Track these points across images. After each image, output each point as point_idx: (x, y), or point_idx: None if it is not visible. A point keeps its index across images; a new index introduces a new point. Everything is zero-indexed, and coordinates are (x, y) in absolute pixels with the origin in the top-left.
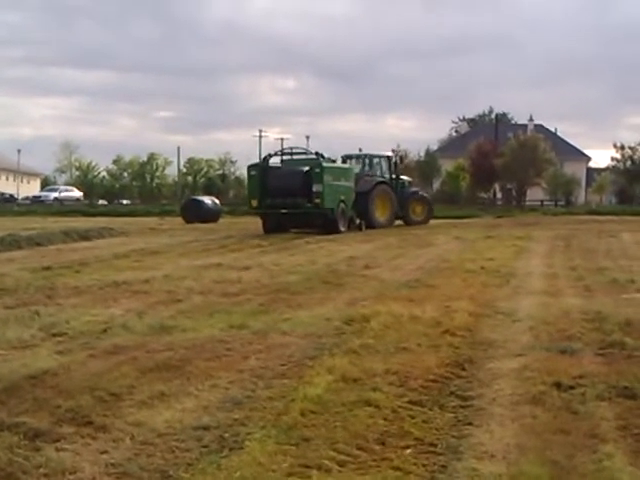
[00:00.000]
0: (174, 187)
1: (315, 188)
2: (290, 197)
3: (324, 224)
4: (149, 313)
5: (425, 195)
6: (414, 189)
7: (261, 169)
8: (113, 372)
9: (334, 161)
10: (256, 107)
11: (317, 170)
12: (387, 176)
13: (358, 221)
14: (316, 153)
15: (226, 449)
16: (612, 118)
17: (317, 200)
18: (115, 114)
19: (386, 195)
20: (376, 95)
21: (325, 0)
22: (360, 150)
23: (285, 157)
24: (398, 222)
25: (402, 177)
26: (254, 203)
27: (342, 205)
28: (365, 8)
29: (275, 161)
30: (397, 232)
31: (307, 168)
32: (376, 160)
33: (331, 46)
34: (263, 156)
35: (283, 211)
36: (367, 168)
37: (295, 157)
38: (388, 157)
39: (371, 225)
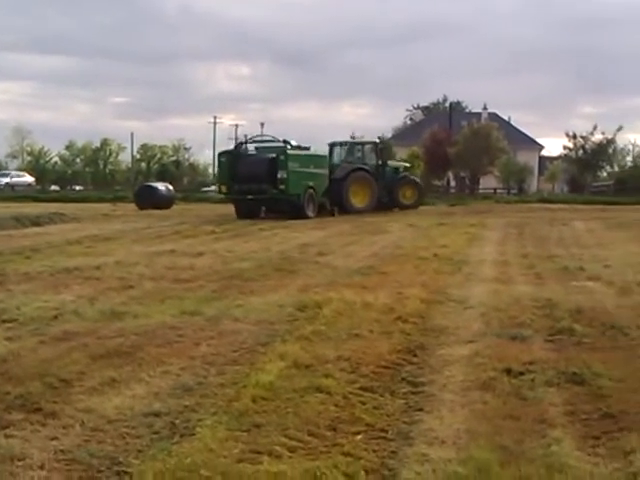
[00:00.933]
0: (127, 173)
1: (280, 174)
2: (256, 183)
3: (291, 210)
4: (100, 299)
5: (414, 179)
6: (404, 174)
7: (231, 156)
8: (63, 358)
9: (306, 148)
10: (211, 93)
11: (282, 157)
12: (372, 162)
13: (330, 207)
14: (284, 141)
15: (177, 435)
16: (566, 107)
17: (282, 186)
18: (69, 99)
19: (364, 181)
20: (332, 82)
21: None
22: (353, 137)
23: (257, 145)
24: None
25: (393, 163)
26: (223, 189)
27: (310, 191)
28: None
29: (249, 148)
30: (352, 219)
31: (273, 155)
32: (359, 147)
33: (287, 33)
34: (235, 144)
35: (250, 197)
36: (353, 155)
37: (266, 145)
38: (375, 144)
39: (345, 211)
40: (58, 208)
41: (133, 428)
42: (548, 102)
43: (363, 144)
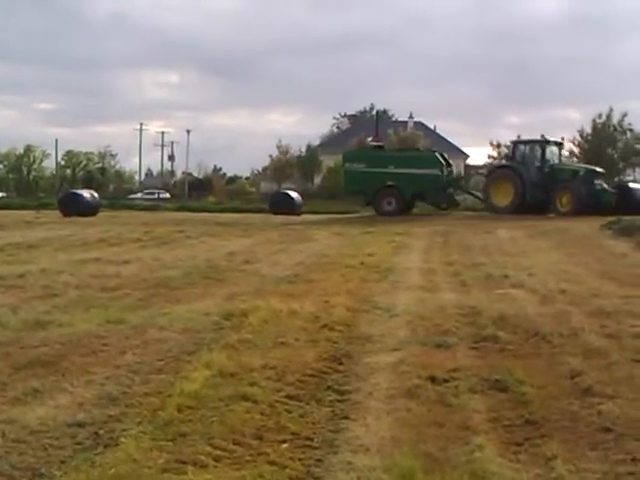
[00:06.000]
0: (52, 180)
1: None
2: None
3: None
4: (24, 308)
5: (574, 186)
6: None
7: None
8: None
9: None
10: (139, 101)
11: None
12: (553, 162)
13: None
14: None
15: (101, 446)
16: (492, 117)
17: None
18: None
19: (506, 179)
20: (260, 90)
21: None
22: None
23: None
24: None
25: (572, 165)
26: None
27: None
28: (252, 3)
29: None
30: (278, 227)
31: None
32: (539, 146)
33: (216, 41)
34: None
35: None
36: (534, 154)
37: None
38: (558, 143)
39: (493, 210)
40: None
41: (56, 439)
42: (474, 112)
43: (545, 143)
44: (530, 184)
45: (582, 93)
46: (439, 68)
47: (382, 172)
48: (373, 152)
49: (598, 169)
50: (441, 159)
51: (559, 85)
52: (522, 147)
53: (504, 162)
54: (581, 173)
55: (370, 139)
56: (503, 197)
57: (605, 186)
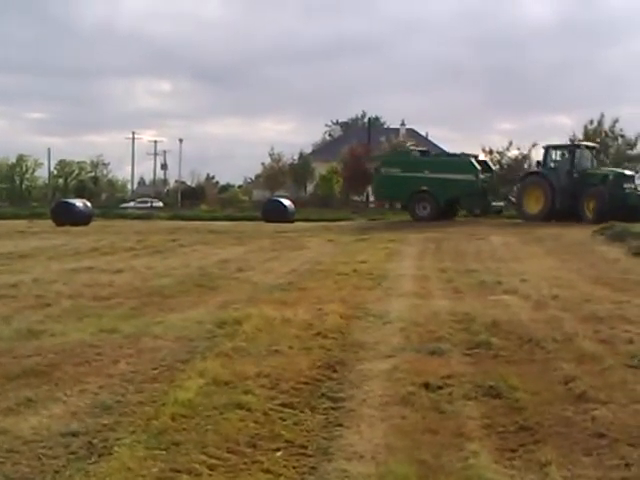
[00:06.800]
0: (45, 189)
1: None
2: None
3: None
4: (17, 318)
5: (603, 191)
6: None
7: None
8: None
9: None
10: (131, 109)
11: None
12: (586, 166)
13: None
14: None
15: (95, 455)
16: (484, 123)
17: None
18: None
19: (536, 186)
20: (253, 98)
21: (203, 3)
22: (572, 140)
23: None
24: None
25: (604, 169)
26: None
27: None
28: (243, 11)
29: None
30: (271, 235)
31: None
32: (570, 150)
33: (208, 49)
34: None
35: None
36: (565, 158)
37: None
38: (590, 147)
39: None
40: None
41: (50, 448)
42: (466, 118)
43: (575, 147)
44: (560, 190)
45: (573, 99)
46: (430, 75)
47: (417, 177)
48: (408, 156)
49: (628, 172)
50: (477, 164)
51: (550, 91)
52: (553, 152)
53: (535, 168)
54: (610, 177)
55: (410, 144)
56: (535, 204)
57: (636, 190)
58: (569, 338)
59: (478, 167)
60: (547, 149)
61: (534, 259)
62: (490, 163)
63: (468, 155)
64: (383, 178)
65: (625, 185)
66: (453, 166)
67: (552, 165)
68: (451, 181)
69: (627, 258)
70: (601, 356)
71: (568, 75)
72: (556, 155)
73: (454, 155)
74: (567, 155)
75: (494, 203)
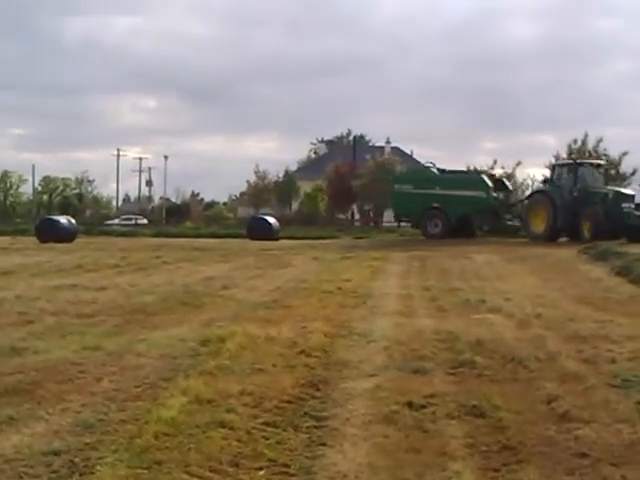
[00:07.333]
0: (29, 205)
1: None
2: None
3: None
4: None
5: (598, 210)
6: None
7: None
8: None
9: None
10: (116, 126)
11: None
12: (596, 184)
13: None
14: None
15: (76, 474)
16: (469, 142)
17: None
18: None
19: (540, 205)
20: (238, 116)
21: (189, 21)
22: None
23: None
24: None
25: (604, 188)
26: None
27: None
28: (229, 29)
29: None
30: (256, 252)
31: None
32: (574, 168)
33: (194, 67)
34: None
35: None
36: (570, 176)
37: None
38: (594, 165)
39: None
40: None
41: (31, 467)
42: (451, 137)
43: (577, 165)
44: (562, 209)
45: (558, 119)
46: (416, 93)
47: (429, 194)
48: (421, 174)
49: (626, 191)
50: (488, 181)
51: (535, 111)
52: (558, 170)
53: (541, 186)
54: (610, 196)
55: (426, 162)
56: (540, 223)
57: (633, 210)
58: (552, 357)
59: (489, 184)
60: (553, 167)
61: (518, 278)
62: (507, 182)
63: (480, 172)
64: (396, 195)
65: (624, 204)
66: (464, 183)
67: (557, 183)
68: (462, 198)
69: (610, 277)
70: (584, 375)
71: (553, 95)
72: (561, 173)
73: (466, 172)
74: (569, 173)
75: (510, 222)
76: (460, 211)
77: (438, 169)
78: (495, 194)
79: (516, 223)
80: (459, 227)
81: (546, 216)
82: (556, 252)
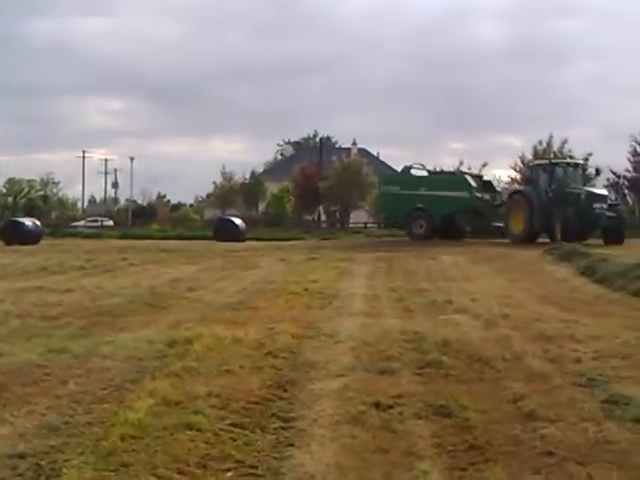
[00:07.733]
0: None
1: None
2: None
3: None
4: None
5: (571, 211)
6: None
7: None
8: None
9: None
10: (82, 128)
11: None
12: (576, 185)
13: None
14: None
15: (42, 477)
16: (435, 143)
17: None
18: None
19: (519, 205)
20: (204, 118)
21: (154, 22)
22: (570, 156)
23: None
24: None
25: (581, 188)
26: None
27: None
28: (194, 31)
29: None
30: (222, 254)
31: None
32: (553, 168)
33: (160, 68)
34: None
35: None
36: (551, 177)
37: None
38: (574, 164)
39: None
40: None
41: None
42: (417, 138)
43: (553, 165)
44: (538, 209)
45: (523, 120)
46: (382, 94)
47: (414, 194)
48: (407, 175)
49: (599, 191)
50: (472, 182)
51: (500, 112)
52: (535, 170)
53: (517, 187)
54: (582, 197)
55: (415, 163)
56: (519, 224)
57: (605, 210)
58: (518, 357)
59: (473, 184)
60: (532, 167)
61: (484, 278)
62: (495, 184)
63: (465, 173)
64: (382, 196)
65: (595, 205)
66: (448, 183)
67: (535, 183)
68: (445, 198)
69: (575, 278)
70: (550, 375)
71: (517, 96)
72: (538, 173)
73: (451, 173)
74: (545, 173)
75: (496, 224)
76: (444, 211)
77: (428, 171)
78: (479, 195)
79: (502, 224)
80: (445, 228)
81: (523, 217)
82: (522, 253)
